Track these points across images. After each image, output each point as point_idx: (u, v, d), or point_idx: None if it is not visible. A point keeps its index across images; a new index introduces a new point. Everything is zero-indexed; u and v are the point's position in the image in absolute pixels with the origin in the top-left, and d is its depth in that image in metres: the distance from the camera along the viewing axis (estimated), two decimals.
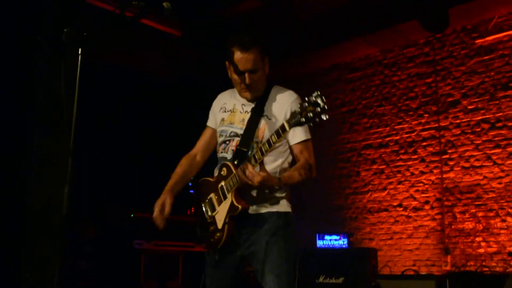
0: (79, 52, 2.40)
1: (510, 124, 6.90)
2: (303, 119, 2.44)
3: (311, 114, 2.40)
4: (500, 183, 6.89)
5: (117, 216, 7.11)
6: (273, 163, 2.95)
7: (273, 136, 2.66)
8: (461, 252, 7.05)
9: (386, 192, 7.90)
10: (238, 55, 2.87)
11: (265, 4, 7.25)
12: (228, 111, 3.09)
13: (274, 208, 2.96)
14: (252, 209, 2.94)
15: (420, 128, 7.71)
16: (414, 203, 7.61)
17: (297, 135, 2.94)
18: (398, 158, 7.87)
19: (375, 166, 8.09)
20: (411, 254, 7.52)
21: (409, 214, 7.63)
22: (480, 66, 7.26)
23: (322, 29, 7.69)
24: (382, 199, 7.93)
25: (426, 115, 7.68)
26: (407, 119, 7.86)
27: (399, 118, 7.95)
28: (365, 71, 8.41)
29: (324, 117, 2.38)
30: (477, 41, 7.31)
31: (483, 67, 7.24)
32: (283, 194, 2.99)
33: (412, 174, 7.69)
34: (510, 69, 6.99)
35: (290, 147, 3.00)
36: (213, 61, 7.96)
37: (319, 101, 2.40)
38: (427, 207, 7.48)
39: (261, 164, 2.76)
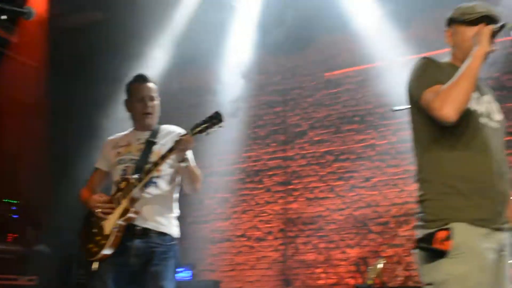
0: None
1: (353, 157, 7.04)
2: (198, 129, 3.02)
3: (206, 125, 3.03)
4: (341, 215, 6.95)
5: None
6: (167, 186, 3.26)
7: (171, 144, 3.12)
8: (301, 284, 6.95)
9: (229, 221, 7.63)
10: (138, 85, 3.36)
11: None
12: (123, 146, 3.39)
13: (169, 230, 3.20)
14: (148, 224, 3.13)
15: (268, 157, 7.61)
16: (258, 233, 7.42)
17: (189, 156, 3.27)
18: (244, 186, 7.67)
19: (219, 194, 7.80)
20: (252, 286, 7.28)
21: (253, 245, 7.42)
22: (328, 99, 7.38)
23: None
24: (225, 228, 7.64)
25: (274, 144, 7.61)
26: (255, 147, 7.73)
27: (247, 145, 7.79)
28: None
29: (217, 127, 3.04)
30: (326, 74, 7.45)
31: (330, 100, 7.36)
32: (176, 215, 3.30)
33: (257, 203, 7.52)
34: (355, 103, 7.18)
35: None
36: None
37: (214, 115, 3.03)
38: (270, 237, 7.33)
39: (153, 185, 3.20)
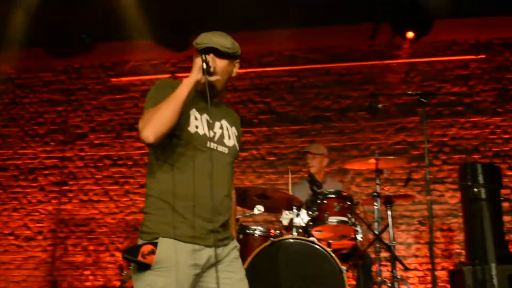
0: None
1: (130, 163, 7.27)
2: None
3: None
4: (113, 219, 7.15)
5: None
6: None
7: None
8: (68, 285, 7.01)
9: None
10: None
11: None
12: None
13: None
14: None
15: (45, 155, 7.50)
16: (27, 232, 7.30)
17: None
18: (17, 184, 7.48)
19: None
20: (17, 286, 7.15)
21: (21, 244, 7.28)
22: (111, 104, 7.51)
23: None
24: None
25: (53, 143, 7.53)
26: (33, 145, 7.57)
27: (24, 142, 7.59)
28: None
29: None
30: (112, 79, 7.55)
31: (114, 105, 7.50)
32: None
33: (30, 202, 7.39)
34: (138, 111, 7.39)
35: None
36: None
37: None
38: (40, 237, 7.26)
39: None
